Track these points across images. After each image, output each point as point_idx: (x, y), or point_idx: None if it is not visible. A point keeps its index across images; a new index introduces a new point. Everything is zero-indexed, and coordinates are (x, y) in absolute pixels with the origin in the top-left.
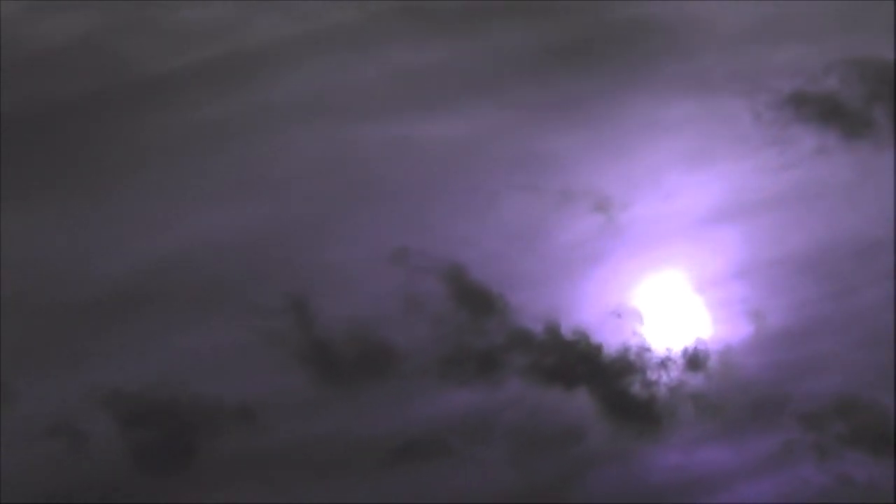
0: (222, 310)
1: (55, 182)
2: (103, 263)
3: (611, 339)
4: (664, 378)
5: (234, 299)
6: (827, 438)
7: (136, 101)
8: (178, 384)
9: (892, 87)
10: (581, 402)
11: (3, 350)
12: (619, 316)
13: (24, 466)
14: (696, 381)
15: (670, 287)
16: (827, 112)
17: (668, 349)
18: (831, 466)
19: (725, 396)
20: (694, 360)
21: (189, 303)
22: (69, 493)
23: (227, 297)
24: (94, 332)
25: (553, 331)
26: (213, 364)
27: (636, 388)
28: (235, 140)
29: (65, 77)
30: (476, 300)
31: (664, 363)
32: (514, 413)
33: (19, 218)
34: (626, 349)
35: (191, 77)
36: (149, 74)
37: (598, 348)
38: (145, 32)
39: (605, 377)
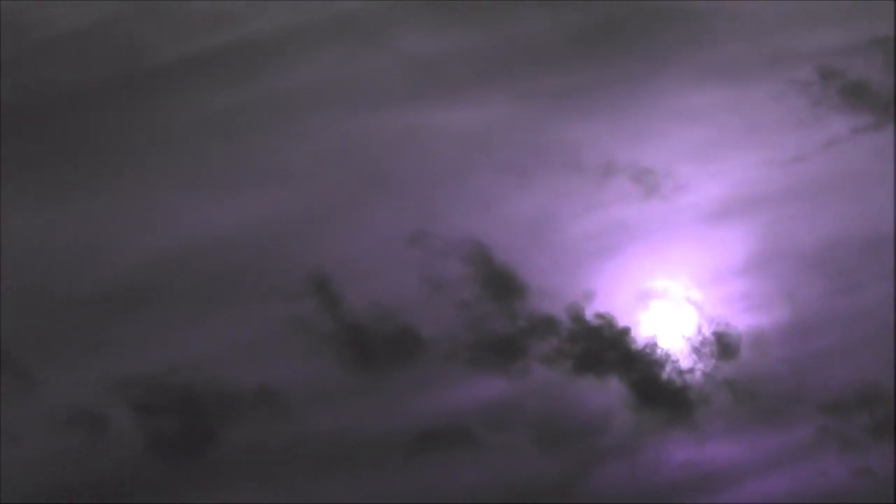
0: (243, 298)
1: (69, 172)
2: (122, 253)
3: (638, 325)
4: (696, 365)
5: (254, 287)
6: (850, 429)
7: (148, 90)
8: (200, 372)
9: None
10: (609, 390)
11: (24, 341)
12: (642, 302)
13: (46, 455)
14: (727, 369)
15: (688, 276)
16: (854, 97)
17: (695, 335)
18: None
19: (758, 384)
20: (726, 347)
21: (209, 291)
22: (90, 482)
23: (248, 284)
24: (115, 321)
25: (577, 316)
26: (235, 351)
27: (666, 375)
28: (249, 128)
29: (75, 65)
30: (500, 284)
31: (697, 350)
32: (538, 400)
33: (35, 208)
34: (654, 335)
35: (203, 65)
36: (160, 63)
37: (624, 333)
38: (157, 21)
39: (633, 364)
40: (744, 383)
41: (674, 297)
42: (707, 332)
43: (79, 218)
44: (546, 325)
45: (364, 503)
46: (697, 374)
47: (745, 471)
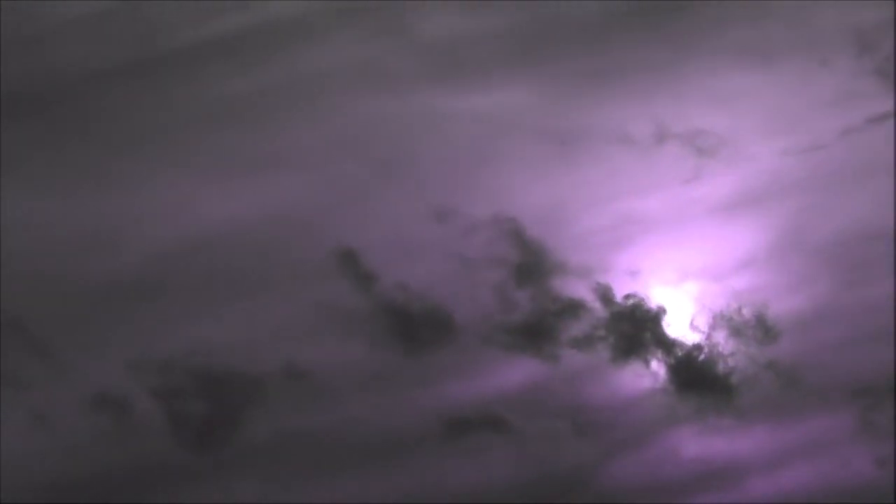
0: (272, 280)
1: (88, 157)
2: (146, 239)
3: (672, 307)
4: (737, 349)
5: (281, 269)
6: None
7: (163, 74)
8: (228, 356)
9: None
10: (645, 373)
11: (49, 325)
12: (676, 284)
13: (73, 439)
14: (767, 353)
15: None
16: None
17: (734, 318)
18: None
19: (800, 368)
20: (767, 331)
21: (236, 275)
22: (116, 465)
23: (274, 267)
24: (141, 305)
25: (609, 298)
26: (262, 335)
27: (703, 358)
28: (269, 112)
29: (88, 49)
30: (531, 263)
31: (739, 330)
32: (571, 385)
33: (56, 193)
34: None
35: (220, 49)
36: (176, 47)
37: (657, 316)
38: (170, 3)
39: (668, 347)
40: (785, 368)
41: (707, 279)
42: (746, 314)
43: (101, 204)
44: (577, 306)
45: (395, 489)
46: (738, 358)
47: (782, 457)
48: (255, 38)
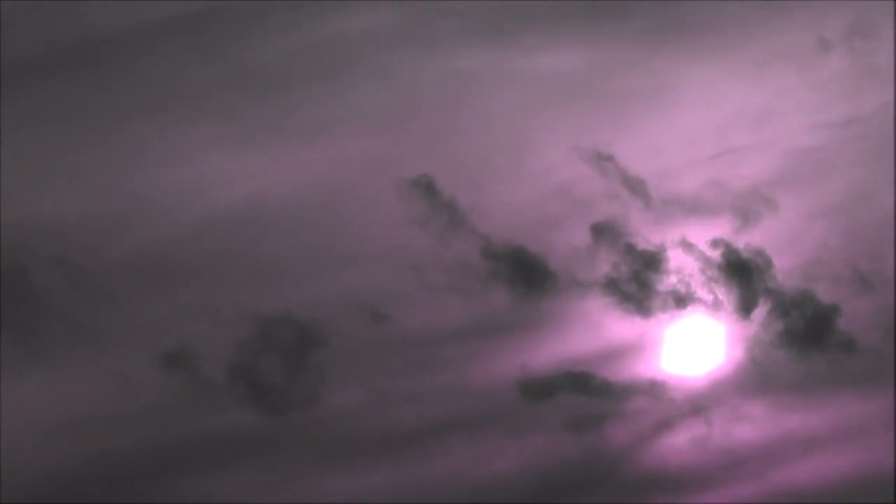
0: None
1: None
2: (221, 195)
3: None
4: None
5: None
6: None
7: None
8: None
9: None
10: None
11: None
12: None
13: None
14: None
15: None
16: None
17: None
18: None
19: None
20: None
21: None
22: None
23: (372, 211)
24: (216, 258)
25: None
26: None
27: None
28: (332, 70)
29: (108, 9)
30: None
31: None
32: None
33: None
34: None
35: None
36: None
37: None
38: None
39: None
40: None
41: None
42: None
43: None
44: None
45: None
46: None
47: None
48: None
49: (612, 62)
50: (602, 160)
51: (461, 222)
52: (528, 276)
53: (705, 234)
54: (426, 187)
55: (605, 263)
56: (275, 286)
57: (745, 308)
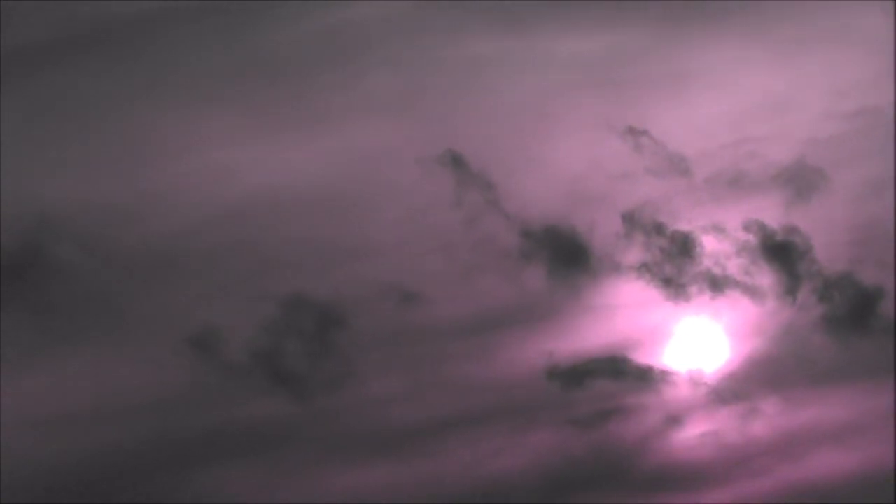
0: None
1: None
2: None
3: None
4: None
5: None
6: None
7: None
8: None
9: None
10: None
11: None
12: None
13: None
14: None
15: None
16: None
17: None
18: None
19: None
20: None
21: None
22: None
23: (396, 193)
24: (238, 244)
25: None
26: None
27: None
28: (354, 51)
29: None
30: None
31: None
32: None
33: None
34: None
35: None
36: None
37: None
38: None
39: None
40: None
41: None
42: None
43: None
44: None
45: None
46: None
47: None
48: None
49: (631, 48)
50: (636, 135)
51: (493, 197)
52: (565, 256)
53: (741, 215)
54: (453, 162)
55: (637, 247)
56: (297, 271)
57: (787, 291)
